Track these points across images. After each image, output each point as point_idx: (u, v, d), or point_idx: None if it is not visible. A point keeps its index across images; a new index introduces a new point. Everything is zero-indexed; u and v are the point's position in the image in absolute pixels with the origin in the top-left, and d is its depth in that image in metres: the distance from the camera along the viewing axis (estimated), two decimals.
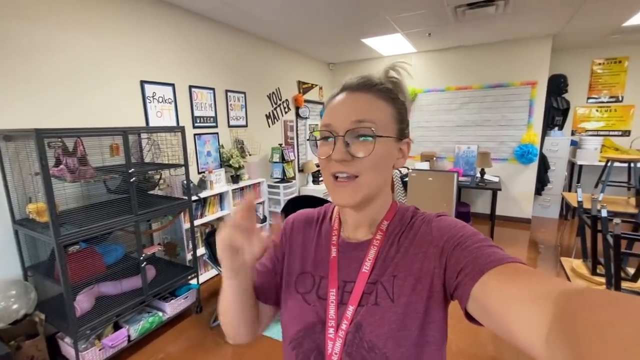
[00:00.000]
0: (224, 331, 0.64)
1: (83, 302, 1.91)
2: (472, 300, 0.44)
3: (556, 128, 4.73)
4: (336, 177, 0.54)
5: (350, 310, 0.54)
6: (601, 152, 4.52)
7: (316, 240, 0.64)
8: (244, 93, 3.67)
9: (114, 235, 2.21)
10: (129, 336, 2.09)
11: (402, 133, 0.57)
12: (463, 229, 0.53)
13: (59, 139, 1.84)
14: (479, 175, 4.22)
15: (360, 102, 0.53)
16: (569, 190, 4.92)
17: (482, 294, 0.42)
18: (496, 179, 4.40)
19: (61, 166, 1.82)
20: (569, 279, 1.80)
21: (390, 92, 0.55)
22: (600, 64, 4.56)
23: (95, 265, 1.95)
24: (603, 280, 1.59)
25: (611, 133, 4.66)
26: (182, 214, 2.60)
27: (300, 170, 4.79)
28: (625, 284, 1.48)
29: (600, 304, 0.26)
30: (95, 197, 2.17)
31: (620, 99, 4.53)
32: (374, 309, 0.53)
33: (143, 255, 2.14)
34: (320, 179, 4.64)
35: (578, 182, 4.71)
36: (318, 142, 0.57)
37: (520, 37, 4.11)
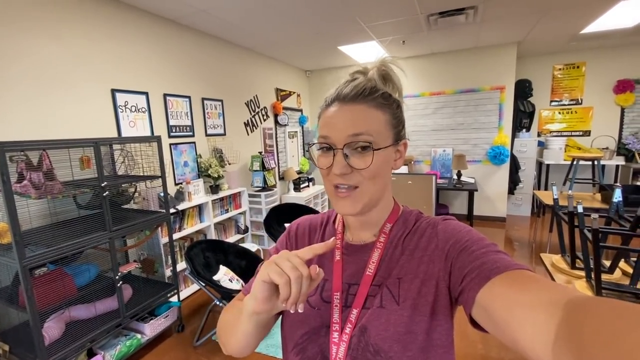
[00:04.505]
0: (221, 344, 0.60)
1: (52, 329, 1.75)
2: (477, 305, 0.43)
3: (524, 130, 4.98)
4: (337, 187, 0.54)
5: (354, 313, 0.54)
6: (565, 151, 4.80)
7: None
8: (221, 101, 3.59)
9: (86, 254, 2.06)
10: None
11: (398, 136, 0.57)
12: (469, 233, 0.53)
13: (22, 152, 1.70)
14: (455, 177, 4.34)
15: (355, 113, 0.53)
16: (539, 189, 5.17)
17: (487, 299, 0.42)
18: (472, 180, 4.55)
19: (24, 182, 1.68)
20: (550, 274, 1.86)
21: (383, 99, 0.54)
22: (560, 69, 4.87)
23: (66, 288, 1.80)
24: (582, 273, 1.66)
25: (573, 133, 4.96)
26: (159, 228, 2.47)
27: (281, 178, 4.73)
28: (603, 277, 1.55)
29: (608, 314, 0.26)
30: (64, 214, 2.01)
31: (580, 101, 4.85)
32: (379, 312, 0.52)
33: (119, 274, 2.00)
34: (302, 186, 4.61)
35: (547, 180, 4.97)
36: (317, 152, 0.56)
37: (488, 44, 4.31)
